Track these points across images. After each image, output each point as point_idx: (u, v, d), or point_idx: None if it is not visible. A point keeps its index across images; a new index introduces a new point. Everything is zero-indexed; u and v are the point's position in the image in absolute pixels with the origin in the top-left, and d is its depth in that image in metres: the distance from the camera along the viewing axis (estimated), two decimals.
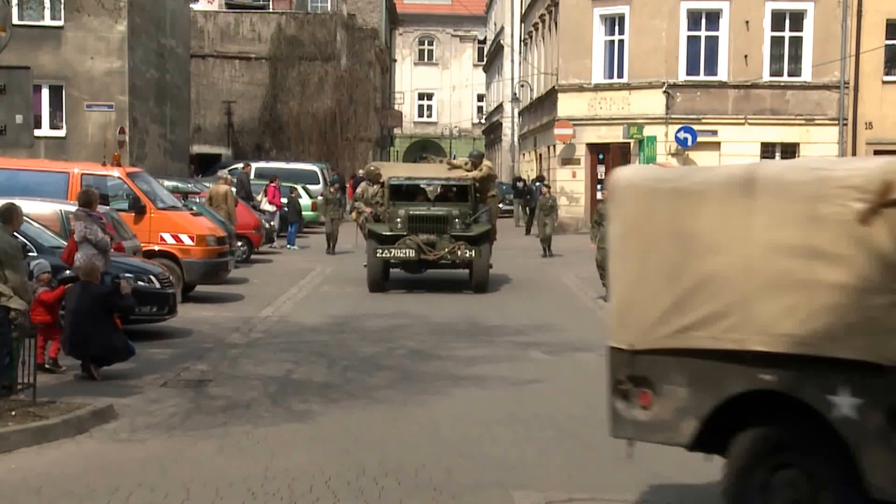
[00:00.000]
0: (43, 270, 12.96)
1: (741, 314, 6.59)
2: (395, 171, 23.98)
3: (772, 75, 36.90)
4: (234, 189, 27.28)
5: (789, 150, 36.98)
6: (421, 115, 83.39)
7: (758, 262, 6.53)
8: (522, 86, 51.76)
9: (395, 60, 70.98)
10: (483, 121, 78.94)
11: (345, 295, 21.10)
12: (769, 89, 36.94)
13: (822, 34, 36.46)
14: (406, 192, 22.42)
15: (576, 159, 39.31)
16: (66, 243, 15.36)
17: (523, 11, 53.78)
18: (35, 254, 14.06)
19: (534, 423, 10.88)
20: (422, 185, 22.71)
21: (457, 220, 21.39)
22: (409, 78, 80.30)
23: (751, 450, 6.72)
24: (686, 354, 6.84)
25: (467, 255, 21.11)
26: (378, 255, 21.18)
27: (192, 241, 19.50)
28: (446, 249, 21.04)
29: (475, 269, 21.54)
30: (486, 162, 23.35)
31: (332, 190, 32.95)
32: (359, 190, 23.59)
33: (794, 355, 6.37)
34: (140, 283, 14.57)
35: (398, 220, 21.32)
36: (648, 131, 36.96)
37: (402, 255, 21.13)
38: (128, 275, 14.17)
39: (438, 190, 22.64)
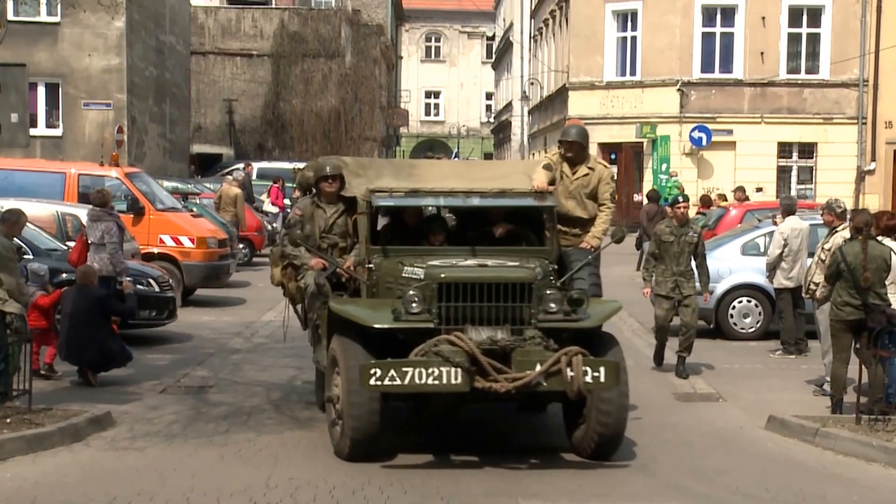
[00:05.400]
0: (40, 273, 13.02)
1: None
2: (373, 174, 10.61)
3: (789, 73, 36.84)
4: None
5: (807, 150, 36.83)
6: (428, 113, 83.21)
7: None
8: (532, 83, 51.71)
9: (402, 57, 70.70)
10: (491, 119, 78.59)
11: None
12: (786, 87, 36.78)
13: (840, 30, 36.29)
14: (410, 226, 10.75)
15: None
16: (62, 245, 16.01)
17: (533, 7, 53.91)
18: (31, 256, 14.27)
19: (542, 431, 10.80)
20: (461, 208, 10.86)
21: (548, 290, 9.47)
22: (415, 75, 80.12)
23: None
24: None
25: (587, 379, 8.97)
26: (373, 381, 8.80)
27: (193, 243, 19.57)
28: (540, 366, 8.96)
29: (602, 408, 9.33)
30: (598, 160, 11.57)
31: None
32: (292, 216, 10.90)
33: None
34: (139, 286, 14.45)
35: (413, 290, 9.16)
36: (662, 130, 36.76)
37: (433, 381, 8.84)
38: (127, 278, 14.09)
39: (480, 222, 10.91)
